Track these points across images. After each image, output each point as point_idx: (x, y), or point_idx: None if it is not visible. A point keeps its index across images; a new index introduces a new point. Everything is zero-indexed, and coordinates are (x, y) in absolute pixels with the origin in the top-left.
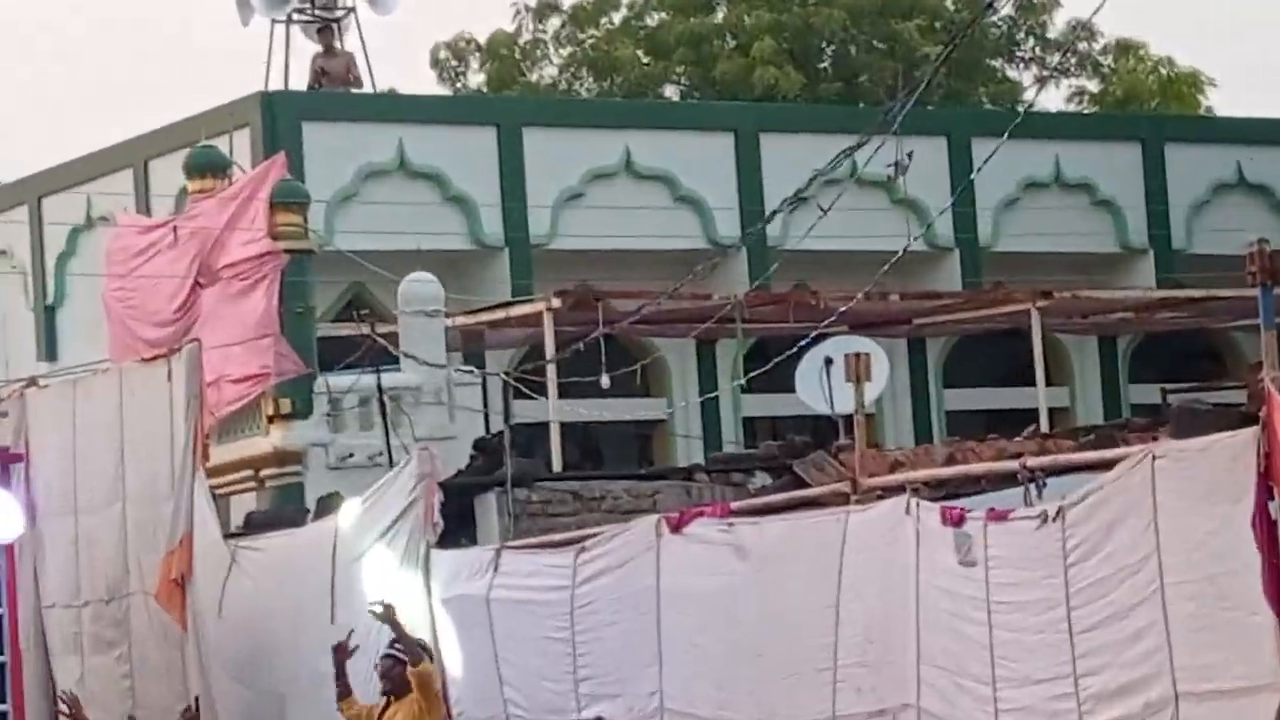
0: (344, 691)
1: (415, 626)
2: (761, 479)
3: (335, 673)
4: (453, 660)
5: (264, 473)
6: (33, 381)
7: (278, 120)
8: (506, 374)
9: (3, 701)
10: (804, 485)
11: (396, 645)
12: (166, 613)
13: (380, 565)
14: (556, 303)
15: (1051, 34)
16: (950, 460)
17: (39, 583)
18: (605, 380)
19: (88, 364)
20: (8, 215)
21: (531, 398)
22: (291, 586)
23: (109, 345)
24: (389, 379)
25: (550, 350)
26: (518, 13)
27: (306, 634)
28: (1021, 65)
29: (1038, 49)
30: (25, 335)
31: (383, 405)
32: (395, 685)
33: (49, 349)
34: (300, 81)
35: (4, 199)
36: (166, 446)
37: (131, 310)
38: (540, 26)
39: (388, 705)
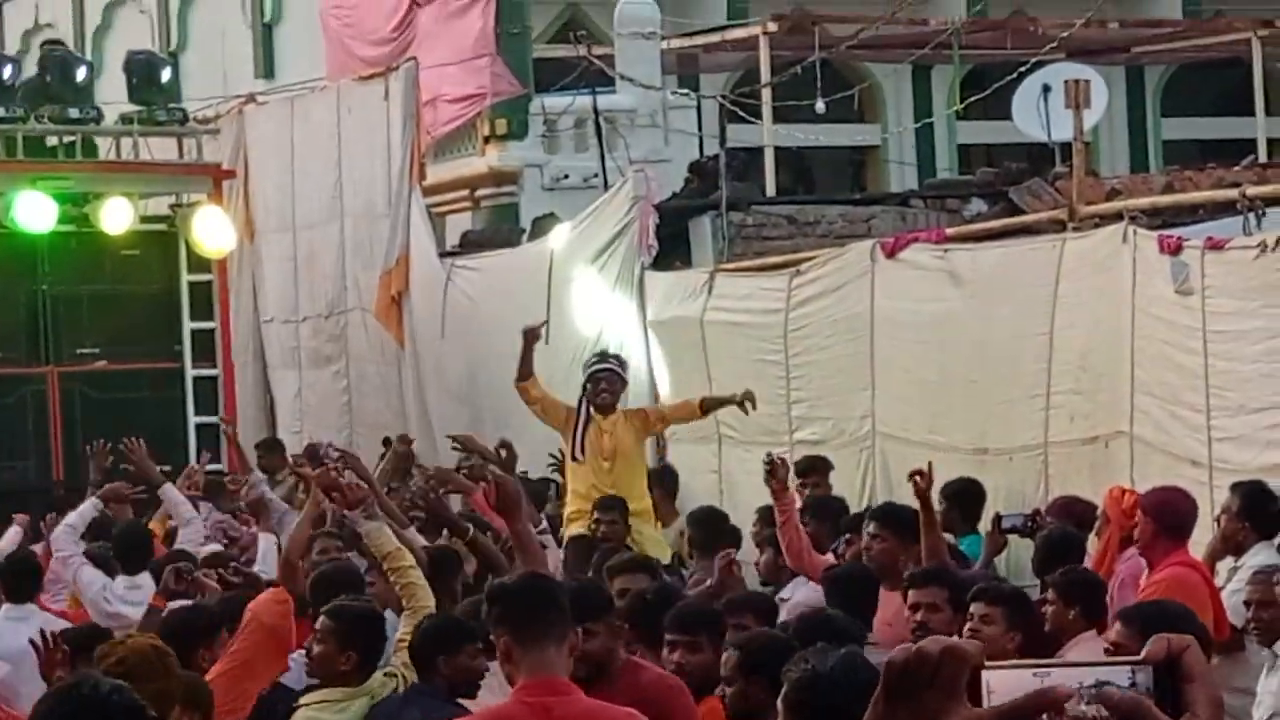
0: (527, 372)
1: (628, 346)
2: (977, 205)
3: (522, 355)
4: (665, 381)
5: (479, 192)
6: (251, 98)
7: None
8: (722, 97)
9: (215, 413)
10: (1020, 212)
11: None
12: (384, 329)
13: (595, 286)
14: (772, 26)
15: None
16: (1168, 188)
17: (257, 297)
18: (820, 105)
19: (305, 81)
20: None
21: (746, 121)
22: (507, 306)
23: (326, 63)
24: (604, 100)
25: (765, 74)
26: None
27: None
28: None
29: None
30: (243, 52)
31: (598, 126)
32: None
33: (267, 66)
34: None
35: None
36: (384, 165)
37: (349, 28)
38: None
39: (588, 416)
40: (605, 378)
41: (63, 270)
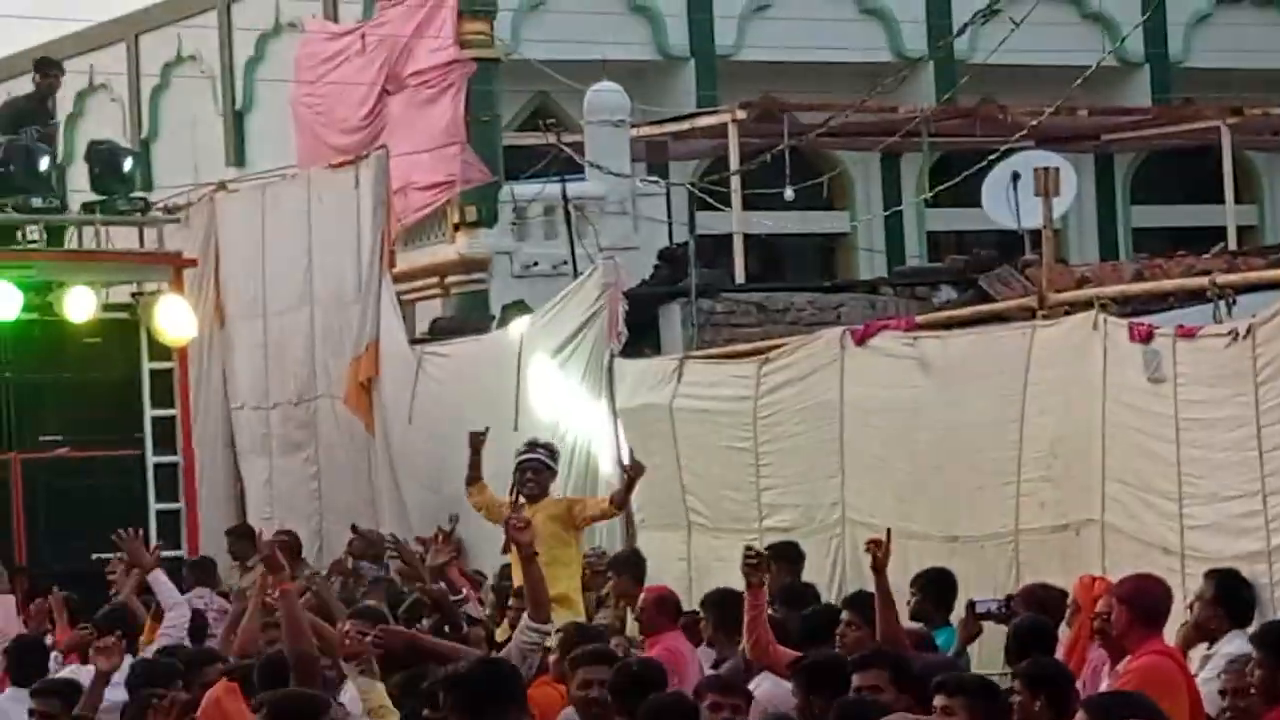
0: (474, 477)
1: (596, 433)
2: (946, 293)
3: (470, 460)
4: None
5: (449, 279)
6: (222, 186)
7: None
8: (691, 184)
9: (176, 500)
10: (989, 299)
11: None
12: (354, 416)
13: (564, 373)
14: (742, 114)
15: None
16: (1138, 276)
17: (228, 384)
18: (789, 193)
19: (276, 169)
20: (196, 20)
21: (716, 209)
22: (476, 393)
23: (297, 151)
24: (574, 188)
25: (735, 161)
26: None
27: (491, 439)
28: None
29: None
30: (214, 140)
31: (568, 214)
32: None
33: (238, 154)
34: None
35: (191, 3)
36: (354, 252)
37: (320, 116)
38: None
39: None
40: (532, 467)
41: (26, 358)
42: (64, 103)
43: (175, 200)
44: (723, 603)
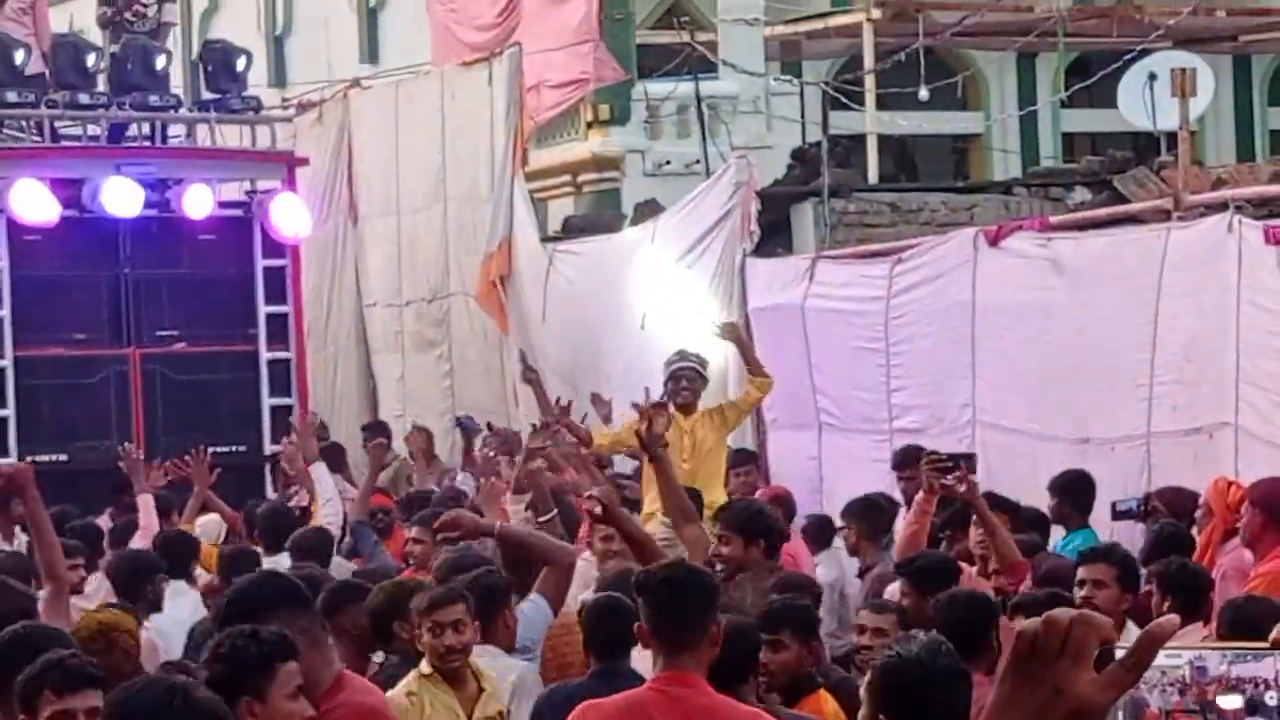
0: (589, 438)
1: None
2: (1080, 194)
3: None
4: (766, 368)
5: (581, 178)
6: (355, 83)
7: None
8: (825, 84)
9: (288, 395)
10: (1124, 201)
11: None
12: (487, 314)
13: (695, 272)
14: (876, 13)
15: None
16: (1275, 178)
17: (360, 281)
18: (923, 92)
19: (409, 66)
20: None
21: (849, 108)
22: (607, 291)
23: (431, 48)
24: (707, 87)
25: (869, 61)
26: None
27: (620, 338)
28: None
29: None
30: (348, 37)
31: (700, 113)
32: (693, 399)
33: (371, 51)
34: None
35: None
36: (487, 149)
37: (453, 13)
38: None
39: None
40: (686, 375)
41: (143, 254)
42: None
43: (308, 97)
44: (866, 511)
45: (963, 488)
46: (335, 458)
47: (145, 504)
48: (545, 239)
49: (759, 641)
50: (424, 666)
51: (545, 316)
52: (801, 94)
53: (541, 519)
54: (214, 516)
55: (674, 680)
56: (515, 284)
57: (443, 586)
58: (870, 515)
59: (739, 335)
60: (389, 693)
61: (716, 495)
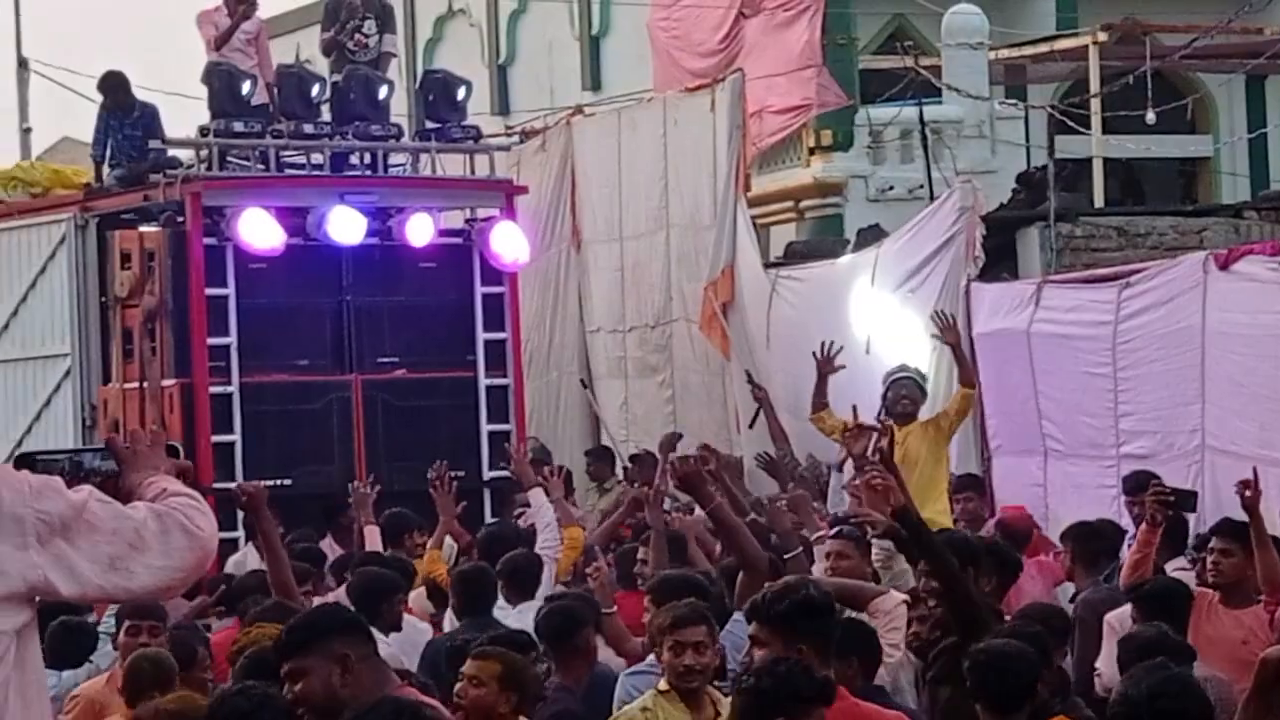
0: (820, 403)
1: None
2: None
3: (816, 386)
4: (991, 394)
5: (804, 203)
6: (579, 110)
7: None
8: (1050, 107)
9: (506, 421)
10: None
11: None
12: (708, 340)
13: (919, 297)
14: (1102, 36)
15: None
16: None
17: (583, 307)
18: (1151, 115)
19: (632, 93)
20: None
21: (1075, 132)
22: (830, 316)
23: (653, 75)
24: (931, 111)
25: (1095, 84)
26: None
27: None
28: None
29: None
30: (570, 65)
31: (924, 138)
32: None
33: (594, 78)
34: None
35: None
36: (709, 176)
37: (676, 40)
38: None
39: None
40: (904, 385)
41: (365, 282)
42: (423, 28)
43: (531, 125)
44: (1084, 535)
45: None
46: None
47: (371, 535)
48: (768, 265)
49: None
50: (661, 684)
51: (769, 343)
52: (1026, 118)
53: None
54: (449, 541)
55: None
56: (738, 310)
57: (687, 607)
58: (1087, 539)
59: (958, 339)
60: (626, 708)
61: (929, 510)
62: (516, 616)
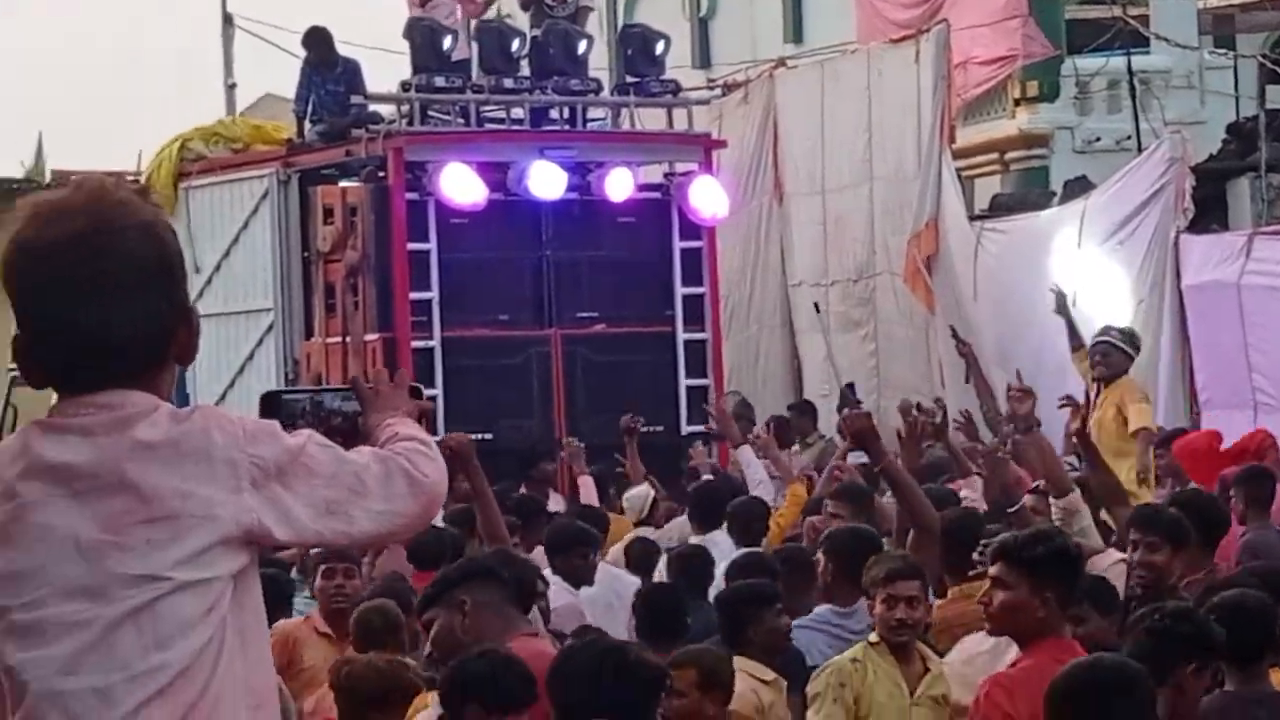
0: (1077, 344)
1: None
2: None
3: (1068, 325)
4: (1200, 347)
5: (1009, 155)
6: (781, 63)
7: None
8: (1261, 57)
9: (704, 376)
10: None
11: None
12: (912, 294)
13: (1127, 250)
14: None
15: None
16: None
17: (785, 261)
18: None
19: (835, 45)
20: None
21: None
22: (1035, 269)
23: (856, 26)
24: (1139, 62)
25: None
26: None
27: (1050, 316)
28: None
29: None
30: (772, 17)
31: (1132, 88)
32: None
33: (796, 31)
34: None
35: None
36: (913, 128)
37: None
38: None
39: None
40: (1101, 349)
41: (565, 237)
42: None
43: (733, 78)
44: (1252, 479)
45: None
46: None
47: (586, 485)
48: (973, 218)
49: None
50: (872, 636)
51: (976, 295)
52: (1235, 67)
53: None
54: (642, 489)
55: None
56: (943, 263)
57: (901, 560)
58: (1256, 482)
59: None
60: (835, 659)
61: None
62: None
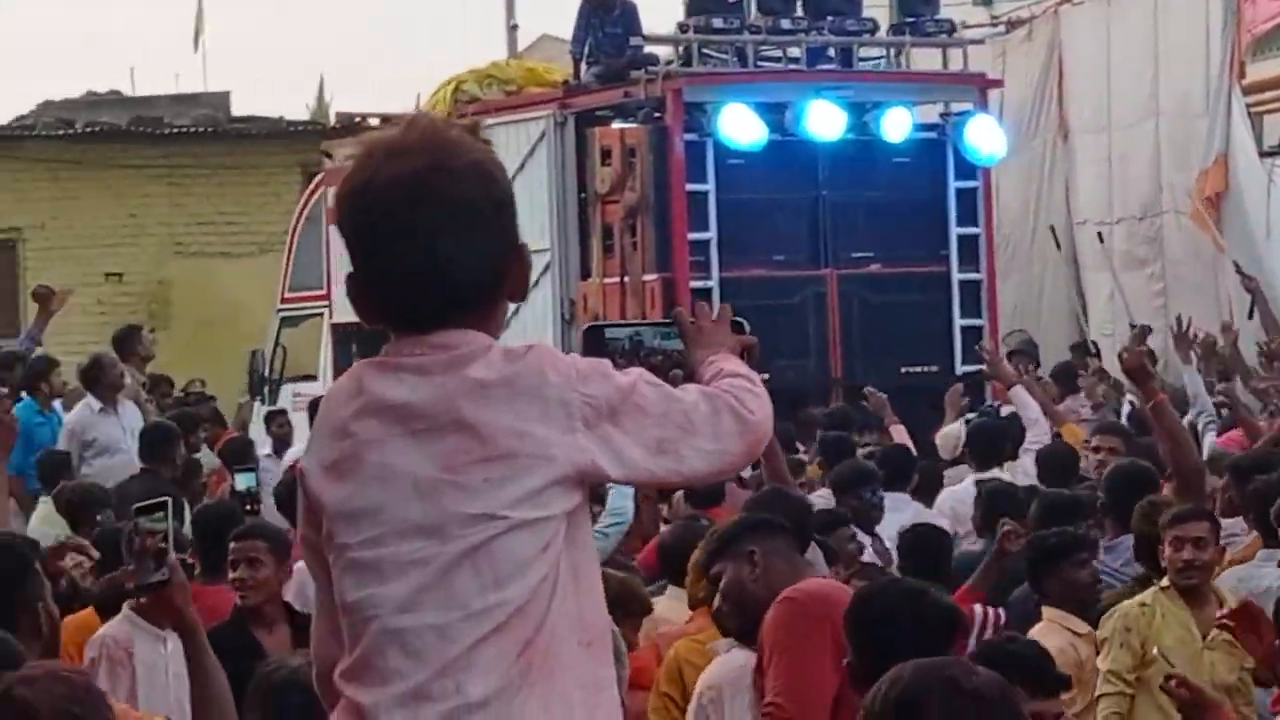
0: None
1: None
2: None
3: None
4: None
5: None
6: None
7: None
8: None
9: (978, 316)
10: None
11: None
12: (1200, 232)
13: None
14: None
15: None
16: None
17: (1069, 199)
18: None
19: None
20: None
21: None
22: None
23: None
24: None
25: None
26: None
27: None
28: None
29: None
30: None
31: None
32: None
33: None
34: None
35: None
36: (1201, 63)
37: None
38: None
39: None
40: None
41: (841, 177)
42: None
43: (1017, 14)
44: None
45: None
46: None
47: (899, 433)
48: (1263, 154)
49: None
50: (1163, 581)
51: (1269, 232)
52: None
53: None
54: (955, 426)
55: None
56: (1232, 200)
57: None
58: None
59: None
60: (1124, 604)
61: None
62: None
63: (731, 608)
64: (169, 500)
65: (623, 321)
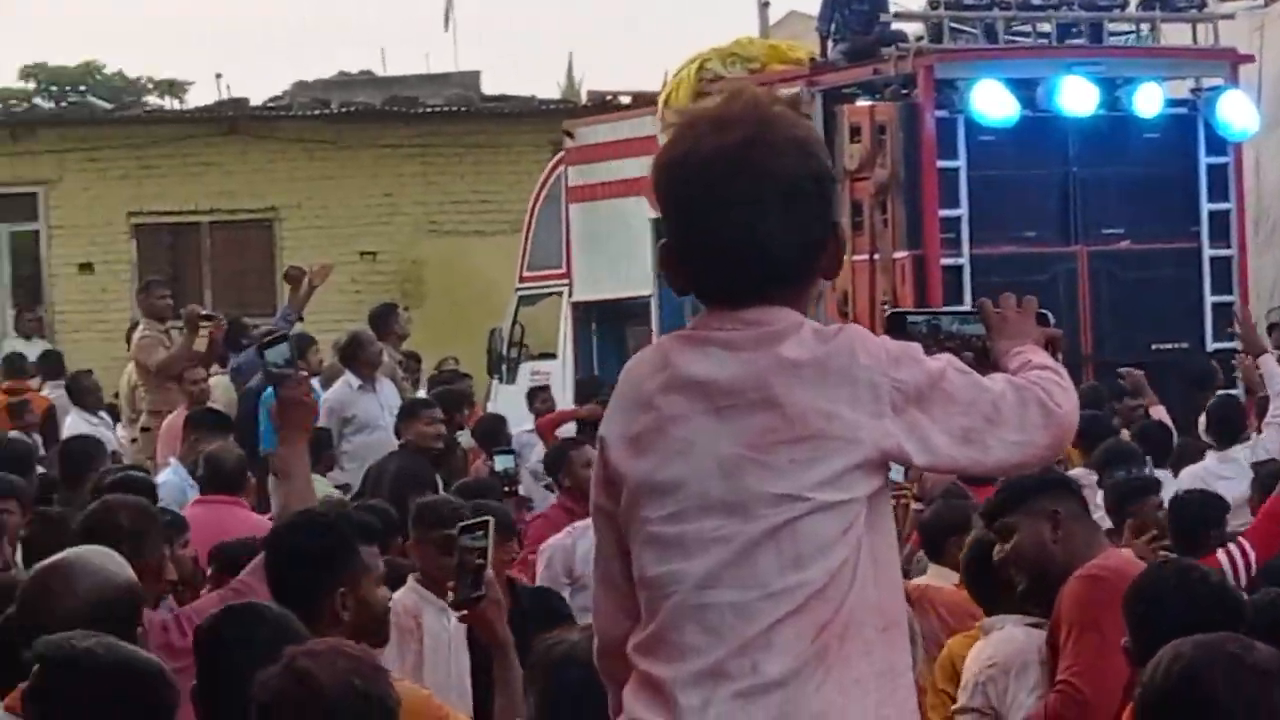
0: None
1: None
2: None
3: None
4: None
5: None
6: None
7: None
8: None
9: (1229, 293)
10: None
11: None
12: None
13: None
14: None
15: None
16: None
17: None
18: None
19: None
20: None
21: None
22: None
23: None
24: None
25: None
26: None
27: None
28: None
29: None
30: None
31: None
32: None
33: None
34: None
35: None
36: None
37: None
38: None
39: None
40: None
41: (1092, 153)
42: None
43: None
44: None
45: None
46: None
47: (1158, 412)
48: None
49: None
50: None
51: None
52: None
53: None
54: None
55: None
56: None
57: None
58: None
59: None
60: None
61: None
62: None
63: (1027, 567)
64: (490, 520)
65: (921, 309)
